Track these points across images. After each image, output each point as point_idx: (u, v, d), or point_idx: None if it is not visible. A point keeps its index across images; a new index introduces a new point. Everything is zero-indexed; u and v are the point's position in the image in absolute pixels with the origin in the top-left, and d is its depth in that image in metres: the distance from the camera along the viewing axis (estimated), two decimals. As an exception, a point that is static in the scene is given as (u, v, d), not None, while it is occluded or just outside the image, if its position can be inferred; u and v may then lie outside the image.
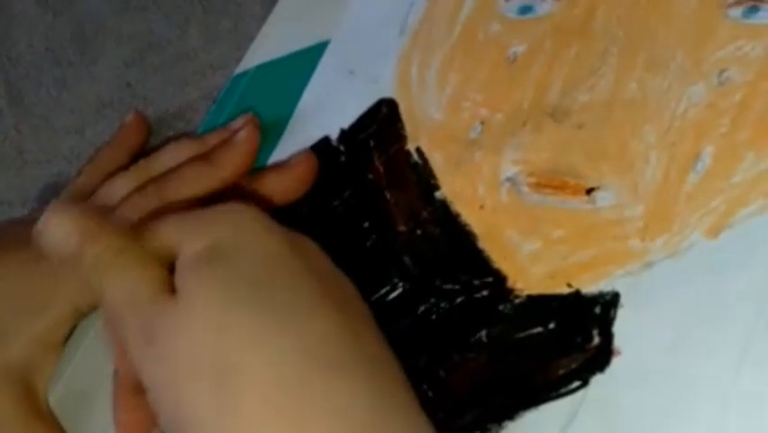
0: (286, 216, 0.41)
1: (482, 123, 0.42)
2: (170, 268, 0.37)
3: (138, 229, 0.38)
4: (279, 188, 0.45)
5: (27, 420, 0.44)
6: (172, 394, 0.35)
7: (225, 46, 0.53)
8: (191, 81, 0.53)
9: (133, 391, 0.40)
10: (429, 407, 0.38)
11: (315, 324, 0.34)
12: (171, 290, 0.36)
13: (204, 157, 0.46)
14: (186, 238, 0.37)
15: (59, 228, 0.38)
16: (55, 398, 0.45)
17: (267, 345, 0.34)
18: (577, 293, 0.38)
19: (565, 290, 0.38)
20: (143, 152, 0.51)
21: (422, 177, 0.43)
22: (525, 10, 0.44)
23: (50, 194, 0.53)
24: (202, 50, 0.54)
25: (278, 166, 0.47)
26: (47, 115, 0.56)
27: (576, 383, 0.36)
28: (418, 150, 0.43)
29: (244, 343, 0.34)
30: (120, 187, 0.48)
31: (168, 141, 0.51)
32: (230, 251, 0.36)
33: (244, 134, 0.46)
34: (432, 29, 0.45)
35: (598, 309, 0.37)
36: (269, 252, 0.36)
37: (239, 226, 0.37)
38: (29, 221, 0.48)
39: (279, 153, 0.47)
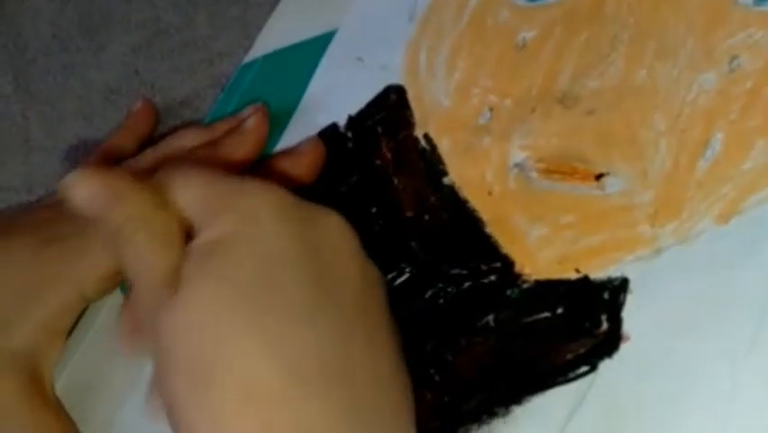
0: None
1: (491, 109, 0.42)
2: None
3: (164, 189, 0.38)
4: (287, 174, 0.45)
5: (33, 407, 0.44)
6: (163, 378, 0.35)
7: (233, 34, 0.53)
8: (199, 69, 0.53)
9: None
10: (436, 391, 0.38)
11: (301, 338, 0.34)
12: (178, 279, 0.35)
13: (212, 144, 0.46)
14: (203, 220, 0.37)
15: (87, 186, 0.38)
16: (59, 388, 0.45)
17: (246, 353, 0.33)
18: (585, 278, 0.38)
19: (573, 276, 0.38)
20: (151, 139, 0.51)
21: (430, 163, 0.42)
22: (535, -4, 0.44)
23: (55, 181, 0.53)
24: (210, 38, 0.53)
25: (287, 152, 0.46)
26: (54, 101, 0.55)
27: (584, 368, 0.36)
28: (426, 136, 0.43)
29: (226, 348, 0.33)
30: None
31: (175, 129, 0.50)
32: (238, 246, 0.35)
33: (253, 122, 0.46)
34: (441, 15, 0.45)
35: (606, 295, 0.37)
36: (280, 247, 0.35)
37: (256, 214, 0.36)
38: (36, 207, 0.49)
39: (287, 141, 0.47)
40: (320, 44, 0.49)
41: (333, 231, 0.37)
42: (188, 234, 0.37)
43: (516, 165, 0.41)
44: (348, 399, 0.33)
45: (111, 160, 0.49)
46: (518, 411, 0.37)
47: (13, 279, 0.44)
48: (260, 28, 0.52)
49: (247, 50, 0.52)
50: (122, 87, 0.54)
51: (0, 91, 0.56)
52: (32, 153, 0.54)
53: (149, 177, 0.39)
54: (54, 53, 0.56)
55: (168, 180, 0.38)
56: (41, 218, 0.47)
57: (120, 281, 0.45)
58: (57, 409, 0.45)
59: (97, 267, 0.44)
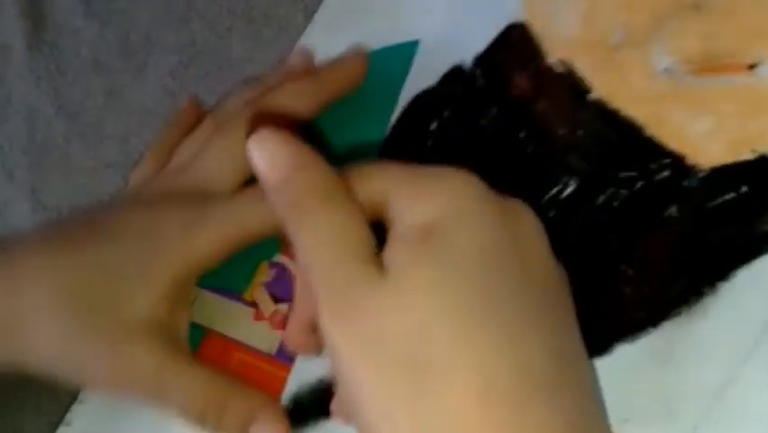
0: (437, 140, 0.41)
1: (623, 27, 0.44)
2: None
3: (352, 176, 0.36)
4: (332, 79, 0.46)
5: (180, 371, 0.43)
6: (359, 368, 0.32)
7: (267, 56, 0.54)
8: (234, 91, 0.53)
9: (308, 328, 0.39)
10: (633, 284, 0.38)
11: (528, 342, 0.32)
12: (377, 258, 0.33)
13: (309, 75, 0.47)
14: (404, 207, 0.34)
15: (269, 151, 0.36)
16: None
17: (483, 345, 0.31)
18: (764, 157, 0.39)
19: (751, 156, 0.39)
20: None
21: (570, 83, 0.44)
22: None
23: (96, 202, 0.52)
24: (244, 60, 0.54)
25: (332, 63, 0.48)
26: (94, 123, 0.55)
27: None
28: (561, 61, 0.44)
29: (453, 350, 0.31)
30: (198, 142, 0.48)
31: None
32: (446, 234, 0.33)
33: (352, 55, 0.47)
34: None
35: (790, 165, 0.38)
36: (485, 240, 0.33)
37: (461, 203, 0.34)
38: (142, 189, 0.48)
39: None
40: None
41: (527, 220, 0.35)
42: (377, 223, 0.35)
43: (664, 70, 0.42)
44: (573, 403, 0.32)
45: (164, 158, 0.49)
46: (726, 287, 0.38)
47: (124, 257, 0.43)
48: (292, 49, 0.53)
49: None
50: (159, 108, 0.54)
51: (43, 113, 0.56)
52: (73, 174, 0.54)
53: None
54: (94, 76, 0.56)
55: (360, 169, 0.36)
56: (149, 203, 0.46)
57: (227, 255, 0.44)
58: (202, 370, 0.44)
59: (211, 249, 0.43)
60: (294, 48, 0.53)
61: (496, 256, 0.33)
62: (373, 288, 0.32)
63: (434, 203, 0.33)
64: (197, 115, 0.51)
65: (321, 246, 0.34)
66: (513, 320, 0.32)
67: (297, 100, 0.46)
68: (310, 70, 0.49)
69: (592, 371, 0.34)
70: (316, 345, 0.41)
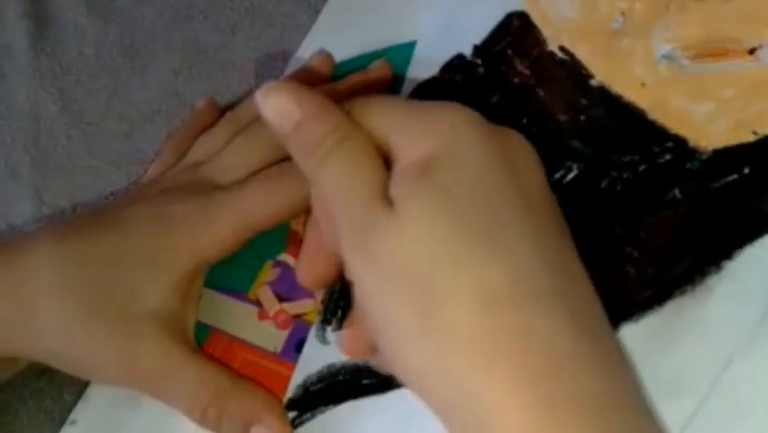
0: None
1: (623, 14, 0.44)
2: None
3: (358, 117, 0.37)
4: (356, 90, 0.47)
5: (188, 363, 0.44)
6: (378, 298, 0.35)
7: (271, 55, 0.54)
8: (237, 90, 0.54)
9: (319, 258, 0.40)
10: (637, 265, 0.38)
11: (527, 254, 0.34)
12: (386, 193, 0.35)
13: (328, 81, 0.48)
14: (405, 143, 0.36)
15: (279, 100, 0.38)
16: None
17: (478, 271, 0.33)
18: (766, 138, 0.39)
19: (752, 138, 0.39)
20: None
21: (572, 70, 0.44)
22: None
23: (100, 202, 0.53)
24: (248, 60, 0.54)
25: (358, 73, 0.49)
26: (97, 121, 0.55)
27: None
28: (562, 48, 0.45)
29: (455, 267, 0.33)
30: (214, 140, 0.48)
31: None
32: (447, 164, 0.35)
33: (377, 65, 0.48)
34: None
35: (791, 147, 0.39)
36: (484, 167, 0.35)
37: (458, 135, 0.36)
38: (154, 187, 0.48)
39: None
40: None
41: (523, 148, 0.37)
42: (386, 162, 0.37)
43: (664, 56, 0.42)
44: (570, 308, 0.33)
45: (180, 154, 0.50)
46: (730, 265, 0.38)
47: (134, 248, 0.44)
48: (296, 49, 0.53)
49: (284, 71, 0.53)
50: (162, 107, 0.54)
51: (46, 112, 0.56)
52: (76, 172, 0.54)
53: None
54: (97, 75, 0.56)
55: (362, 109, 0.38)
56: (159, 195, 0.46)
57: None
58: (208, 364, 0.44)
59: (220, 238, 0.44)
60: (300, 46, 0.53)
61: (494, 182, 0.35)
62: (385, 221, 0.34)
63: (433, 136, 0.35)
64: (214, 114, 0.51)
65: (339, 189, 0.36)
66: (512, 237, 0.34)
67: None
68: (329, 73, 0.50)
69: (591, 285, 0.35)
70: (325, 274, 0.42)
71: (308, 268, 0.41)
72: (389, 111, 0.38)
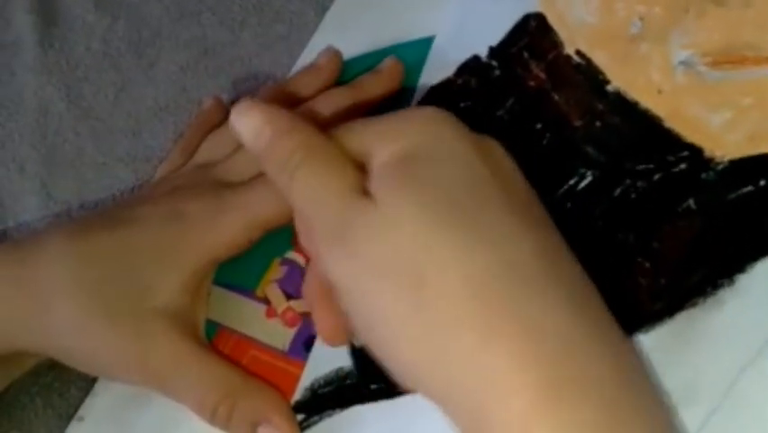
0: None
1: (641, 18, 0.43)
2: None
3: (327, 131, 0.38)
4: (371, 88, 0.47)
5: (198, 359, 0.43)
6: (362, 293, 0.34)
7: (278, 52, 0.54)
8: (244, 86, 0.54)
9: (329, 296, 0.39)
10: (649, 276, 0.38)
11: (515, 240, 0.34)
12: (364, 191, 0.35)
13: (351, 87, 0.47)
14: (378, 142, 0.36)
15: (251, 121, 0.38)
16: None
17: (468, 257, 0.33)
18: (784, 150, 0.39)
19: (769, 150, 0.39)
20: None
21: (588, 75, 0.43)
22: None
23: (107, 198, 0.53)
24: (255, 56, 0.54)
25: (369, 73, 0.48)
26: (105, 118, 0.55)
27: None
28: (578, 52, 0.44)
29: (442, 252, 0.33)
30: (222, 139, 0.48)
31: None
32: (425, 157, 0.35)
33: (388, 62, 0.47)
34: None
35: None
36: (462, 160, 0.35)
37: (433, 132, 0.36)
38: (162, 187, 0.48)
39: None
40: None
41: (498, 151, 0.37)
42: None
43: (682, 63, 0.42)
44: (565, 292, 0.33)
45: (190, 152, 0.50)
46: (743, 278, 0.37)
47: (145, 246, 0.44)
48: (304, 46, 0.53)
49: (291, 68, 0.53)
50: (170, 103, 0.54)
51: (53, 107, 0.56)
52: (84, 168, 0.54)
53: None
54: (105, 70, 0.56)
55: (342, 129, 0.38)
56: (169, 194, 0.46)
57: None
58: (219, 362, 0.44)
59: (230, 237, 0.44)
60: (308, 44, 0.53)
61: (475, 174, 0.35)
62: (363, 215, 0.34)
63: (411, 134, 0.36)
64: (221, 113, 0.51)
65: (313, 192, 0.36)
66: (499, 225, 0.33)
67: (335, 108, 0.46)
68: (337, 71, 0.50)
69: (584, 272, 0.35)
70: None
71: (325, 320, 0.40)
72: (370, 125, 0.37)
